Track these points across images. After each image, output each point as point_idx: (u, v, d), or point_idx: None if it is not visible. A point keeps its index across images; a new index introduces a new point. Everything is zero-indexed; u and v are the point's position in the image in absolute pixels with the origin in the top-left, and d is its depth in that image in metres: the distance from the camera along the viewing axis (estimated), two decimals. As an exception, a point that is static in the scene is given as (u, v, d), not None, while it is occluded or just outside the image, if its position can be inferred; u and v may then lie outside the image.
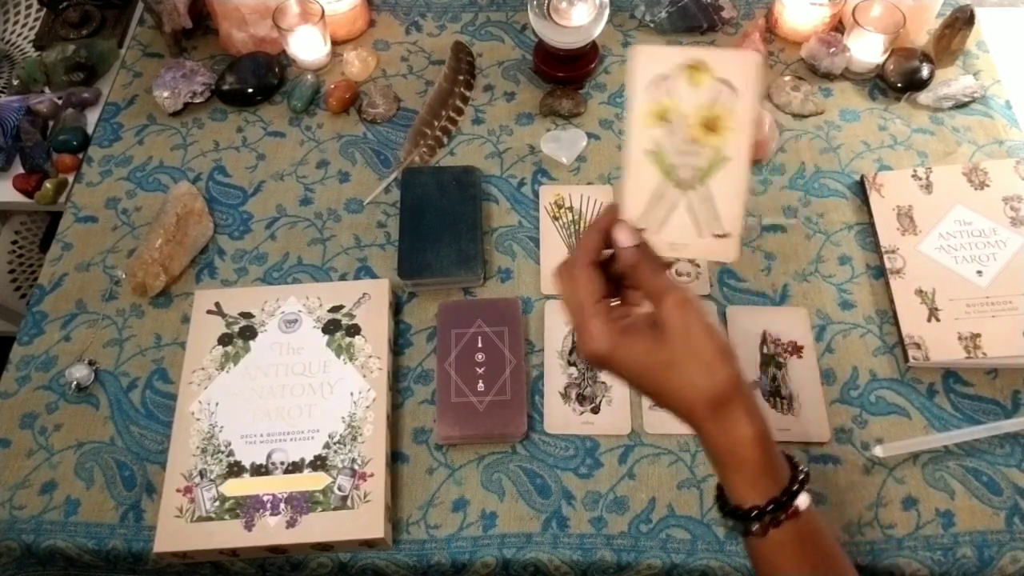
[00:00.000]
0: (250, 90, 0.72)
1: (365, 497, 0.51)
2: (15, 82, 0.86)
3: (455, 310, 0.59)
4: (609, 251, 0.40)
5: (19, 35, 0.96)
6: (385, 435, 0.54)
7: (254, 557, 0.53)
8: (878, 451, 0.54)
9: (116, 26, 0.90)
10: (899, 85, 0.72)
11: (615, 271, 0.40)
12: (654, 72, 0.37)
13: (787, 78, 0.73)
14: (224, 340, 0.57)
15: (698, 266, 0.63)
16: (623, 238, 0.39)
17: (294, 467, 0.52)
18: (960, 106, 0.71)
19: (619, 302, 0.40)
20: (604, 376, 0.57)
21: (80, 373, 0.58)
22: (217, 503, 0.51)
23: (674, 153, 0.38)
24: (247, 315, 0.59)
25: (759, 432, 0.36)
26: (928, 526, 0.52)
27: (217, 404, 0.55)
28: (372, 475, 0.52)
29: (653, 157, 0.39)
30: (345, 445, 0.53)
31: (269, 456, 0.53)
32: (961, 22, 0.71)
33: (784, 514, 0.36)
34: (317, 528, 0.50)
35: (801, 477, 0.37)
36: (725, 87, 0.36)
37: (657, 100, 0.38)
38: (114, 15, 0.91)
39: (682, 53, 0.37)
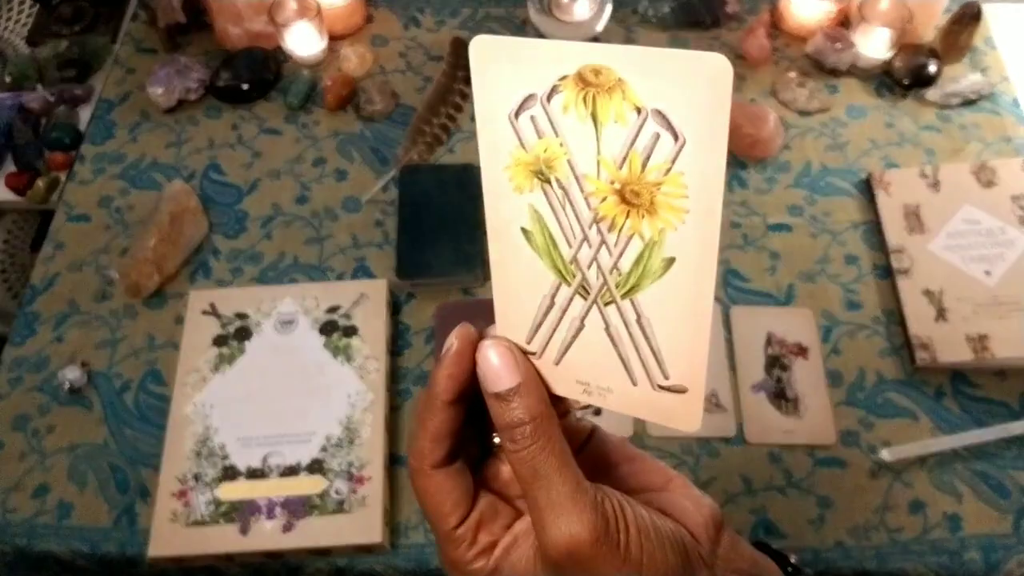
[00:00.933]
0: (245, 86, 0.71)
1: (363, 501, 0.50)
2: (7, 79, 0.85)
3: (454, 310, 0.59)
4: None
5: (11, 31, 0.95)
6: (383, 438, 0.53)
7: (250, 562, 0.52)
8: (885, 454, 0.53)
9: (109, 22, 0.89)
10: (906, 82, 0.71)
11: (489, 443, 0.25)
12: (514, 88, 0.20)
13: (792, 74, 0.72)
14: (219, 341, 0.56)
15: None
16: (494, 372, 0.23)
17: (290, 470, 0.51)
18: (968, 103, 0.70)
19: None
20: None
21: (73, 375, 0.57)
22: (212, 507, 0.50)
23: (569, 238, 0.22)
24: (242, 316, 0.58)
25: None
26: (935, 530, 0.51)
27: (212, 406, 0.54)
28: (370, 478, 0.51)
29: (533, 240, 0.22)
30: (342, 448, 0.52)
31: (265, 459, 0.52)
32: (968, 18, 0.71)
33: None
34: (314, 532, 0.50)
35: None
36: (661, 127, 0.19)
37: (526, 142, 0.21)
38: (107, 11, 0.89)
39: (564, 50, 0.19)
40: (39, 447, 0.55)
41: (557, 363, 0.24)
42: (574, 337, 0.23)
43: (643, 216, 0.20)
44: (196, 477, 0.51)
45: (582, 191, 0.21)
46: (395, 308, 0.61)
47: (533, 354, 0.24)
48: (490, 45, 0.20)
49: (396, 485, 0.54)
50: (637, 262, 0.21)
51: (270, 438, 0.53)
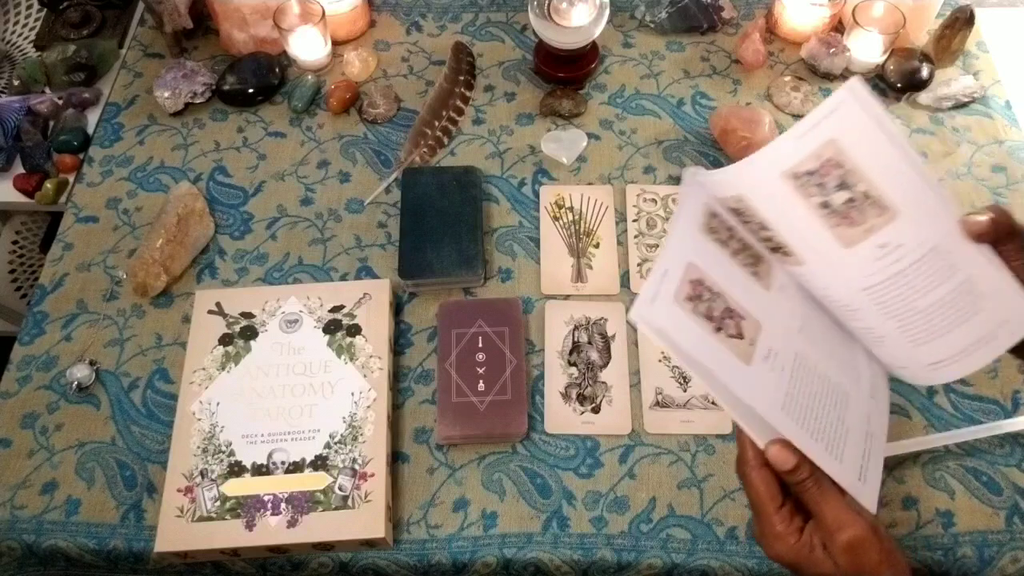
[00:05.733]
0: (251, 90, 0.73)
1: (366, 497, 0.51)
2: (16, 82, 0.86)
3: (455, 310, 0.59)
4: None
5: (19, 35, 0.96)
6: (386, 435, 0.54)
7: (255, 557, 0.53)
8: (878, 451, 0.54)
9: (117, 26, 0.90)
10: (899, 85, 0.72)
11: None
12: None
13: (787, 78, 0.74)
14: (225, 340, 0.57)
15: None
16: (780, 461, 0.36)
17: (295, 467, 0.52)
18: (960, 106, 0.71)
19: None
20: (604, 376, 0.57)
21: (81, 373, 0.58)
22: (218, 503, 0.51)
23: None
24: (248, 315, 0.59)
25: None
26: (928, 526, 0.52)
27: (218, 404, 0.55)
28: (373, 475, 0.52)
29: None
30: (346, 445, 0.53)
31: (270, 456, 0.53)
32: (961, 22, 0.72)
33: None
34: (318, 528, 0.50)
35: None
36: None
37: None
38: (115, 15, 0.91)
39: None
40: (47, 444, 0.56)
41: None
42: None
43: None
44: (202, 473, 0.52)
45: None
46: (397, 308, 0.62)
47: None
48: None
49: (399, 482, 0.54)
50: None
51: (275, 435, 0.54)
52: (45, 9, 0.93)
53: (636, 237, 0.64)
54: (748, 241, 0.40)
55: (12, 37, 0.96)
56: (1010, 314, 0.38)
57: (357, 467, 0.52)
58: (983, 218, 0.36)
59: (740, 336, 0.36)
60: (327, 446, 0.53)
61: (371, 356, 0.57)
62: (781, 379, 0.37)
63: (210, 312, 0.59)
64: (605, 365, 0.58)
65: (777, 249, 0.40)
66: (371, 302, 0.59)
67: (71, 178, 0.80)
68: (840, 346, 0.41)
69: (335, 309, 0.59)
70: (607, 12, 0.67)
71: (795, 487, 0.37)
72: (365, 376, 0.56)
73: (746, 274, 0.39)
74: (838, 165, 0.35)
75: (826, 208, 0.36)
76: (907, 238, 0.36)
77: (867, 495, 0.38)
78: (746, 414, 0.36)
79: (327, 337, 0.58)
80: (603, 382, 0.57)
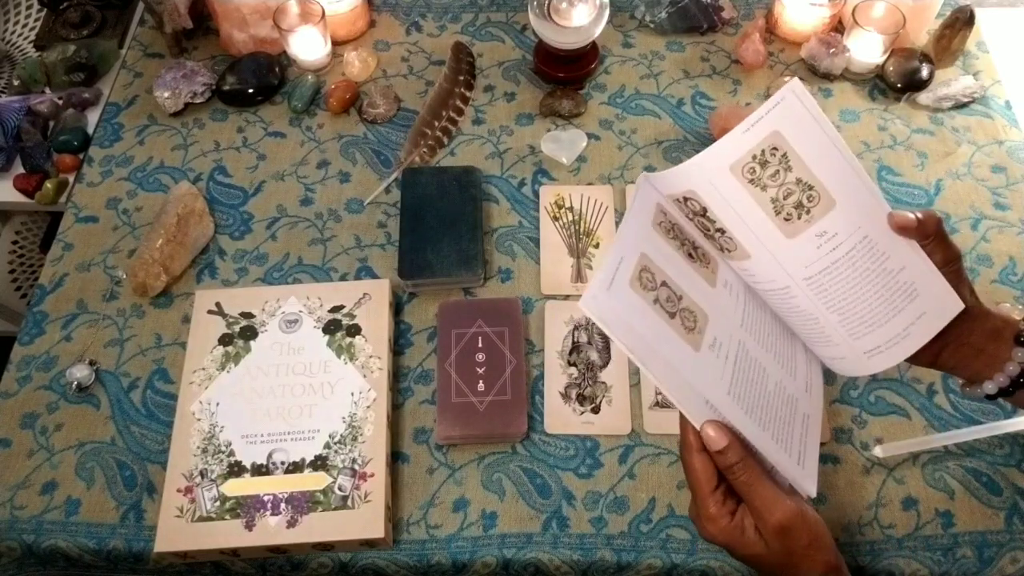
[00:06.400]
0: (251, 90, 0.73)
1: (365, 497, 0.51)
2: (16, 82, 0.86)
3: (455, 310, 0.59)
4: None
5: (20, 35, 0.96)
6: (385, 435, 0.54)
7: (255, 557, 0.53)
8: (877, 451, 0.54)
9: (117, 26, 0.90)
10: (899, 85, 0.72)
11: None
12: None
13: (787, 78, 0.73)
14: (225, 340, 0.57)
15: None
16: (712, 441, 0.38)
17: (295, 467, 0.52)
18: (960, 106, 0.71)
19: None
20: (603, 377, 0.57)
21: (81, 373, 0.58)
22: (218, 503, 0.51)
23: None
24: (248, 315, 0.59)
25: None
26: (928, 526, 0.52)
27: (218, 404, 0.55)
28: (372, 475, 0.52)
29: None
30: (345, 445, 0.53)
31: (270, 456, 0.53)
32: (961, 22, 0.72)
33: None
34: (318, 528, 0.50)
35: None
36: None
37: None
38: (115, 15, 0.91)
39: None
40: (47, 444, 0.56)
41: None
42: None
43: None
44: (202, 474, 0.52)
45: None
46: (397, 308, 0.62)
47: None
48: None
49: (398, 481, 0.55)
50: None
51: (275, 435, 0.54)
52: (45, 9, 0.93)
53: (636, 237, 0.64)
54: (695, 238, 0.42)
55: (12, 37, 0.96)
56: (937, 304, 0.40)
57: (357, 467, 0.52)
58: (910, 215, 0.38)
59: (689, 324, 0.38)
60: (327, 446, 0.53)
61: (371, 356, 0.57)
62: (727, 367, 0.38)
63: (210, 312, 0.59)
64: (605, 365, 0.58)
65: (723, 245, 0.41)
66: (371, 302, 0.59)
67: (71, 178, 0.80)
68: (779, 340, 0.43)
69: (335, 309, 0.59)
70: (607, 12, 0.67)
71: (725, 471, 0.39)
72: (365, 376, 0.56)
73: (692, 269, 0.40)
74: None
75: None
76: (842, 227, 0.38)
77: (807, 480, 0.40)
78: (688, 402, 0.37)
79: (327, 337, 0.58)
80: (603, 382, 0.57)
